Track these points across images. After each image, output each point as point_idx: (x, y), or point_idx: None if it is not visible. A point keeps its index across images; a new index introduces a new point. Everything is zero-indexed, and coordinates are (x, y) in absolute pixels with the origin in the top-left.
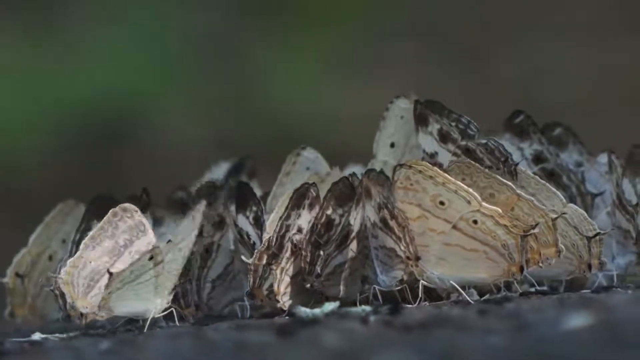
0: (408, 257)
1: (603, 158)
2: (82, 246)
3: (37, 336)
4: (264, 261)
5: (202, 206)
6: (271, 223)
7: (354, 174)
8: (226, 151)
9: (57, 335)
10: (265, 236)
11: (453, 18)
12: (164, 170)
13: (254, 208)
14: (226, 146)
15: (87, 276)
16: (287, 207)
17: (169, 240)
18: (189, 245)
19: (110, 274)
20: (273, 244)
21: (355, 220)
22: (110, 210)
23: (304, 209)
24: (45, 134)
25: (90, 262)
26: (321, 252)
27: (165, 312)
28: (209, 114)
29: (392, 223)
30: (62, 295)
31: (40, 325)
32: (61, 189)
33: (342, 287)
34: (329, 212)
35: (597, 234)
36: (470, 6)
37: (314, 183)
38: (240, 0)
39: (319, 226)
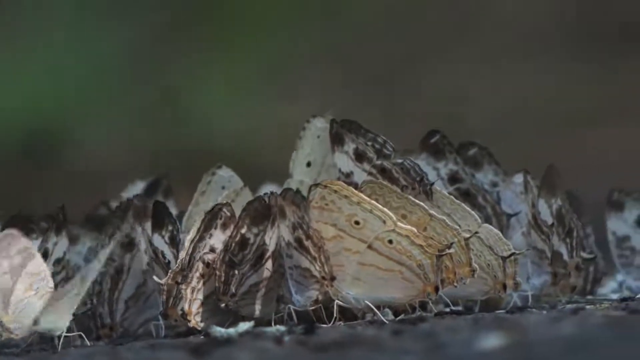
0: (323, 277)
1: (518, 178)
2: None
3: None
4: (177, 280)
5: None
6: (188, 241)
7: (272, 193)
8: (147, 168)
9: None
10: (180, 256)
11: (372, 41)
12: (86, 186)
13: (170, 227)
14: (147, 163)
15: None
16: (198, 229)
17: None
18: (91, 270)
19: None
20: (185, 264)
21: (270, 239)
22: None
23: (216, 229)
24: None
25: None
26: (236, 272)
27: (74, 334)
28: (131, 131)
29: (307, 243)
30: None
31: None
32: None
33: (257, 307)
34: (243, 231)
35: (512, 254)
36: (391, 27)
37: (227, 203)
38: (163, 16)
39: (233, 245)
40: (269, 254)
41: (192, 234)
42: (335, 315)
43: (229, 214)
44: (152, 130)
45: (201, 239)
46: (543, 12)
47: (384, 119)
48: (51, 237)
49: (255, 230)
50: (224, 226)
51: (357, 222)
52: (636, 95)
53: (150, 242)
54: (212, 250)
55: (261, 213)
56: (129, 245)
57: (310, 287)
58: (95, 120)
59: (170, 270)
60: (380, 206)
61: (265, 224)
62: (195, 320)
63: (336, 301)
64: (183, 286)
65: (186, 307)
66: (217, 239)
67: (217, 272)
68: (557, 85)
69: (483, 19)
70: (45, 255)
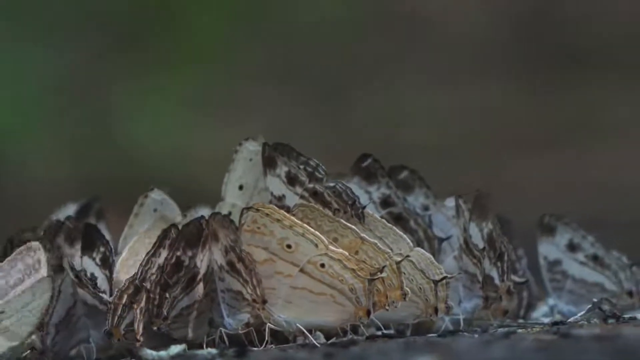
0: (254, 300)
1: (450, 202)
2: None
3: None
4: (124, 300)
5: (47, 282)
6: (122, 262)
7: (203, 216)
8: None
9: None
10: (121, 276)
11: (313, 61)
12: (20, 210)
13: (102, 249)
14: (82, 186)
15: None
16: (154, 245)
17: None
18: (39, 305)
19: None
20: (138, 282)
21: (201, 262)
22: (16, 250)
23: (164, 248)
24: None
25: None
26: (167, 295)
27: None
28: (66, 153)
29: (239, 266)
30: None
31: None
32: None
33: (189, 330)
34: (178, 253)
35: (444, 277)
36: (332, 49)
37: (176, 225)
38: (100, 40)
39: (168, 267)
40: (200, 276)
41: (143, 255)
42: (267, 338)
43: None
44: (87, 154)
45: (148, 261)
46: (484, 35)
47: (323, 143)
48: None
49: (189, 253)
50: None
51: (289, 246)
52: (571, 120)
53: (71, 266)
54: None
55: (196, 236)
56: (59, 268)
57: (242, 310)
58: (30, 144)
59: (118, 289)
60: (312, 230)
61: (199, 247)
62: (141, 340)
63: (268, 324)
64: (135, 305)
65: (135, 326)
66: (163, 258)
67: (152, 295)
68: (493, 109)
69: (424, 40)
70: None
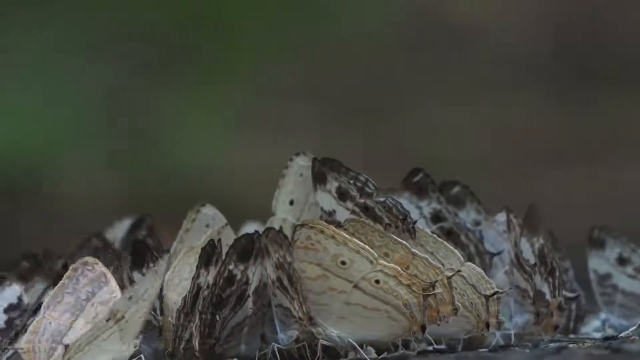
0: (300, 318)
1: (501, 217)
2: (42, 307)
3: None
4: (181, 320)
5: (165, 262)
6: (167, 282)
7: (256, 231)
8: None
9: None
10: (168, 295)
11: (351, 80)
12: (65, 227)
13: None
14: (130, 202)
15: (49, 339)
16: (197, 266)
17: (130, 297)
18: (153, 294)
19: (66, 346)
20: (189, 302)
21: (253, 275)
22: (71, 267)
23: (214, 264)
24: None
25: (51, 323)
26: (217, 317)
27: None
28: (113, 169)
29: (286, 283)
30: None
31: None
32: None
33: (242, 345)
34: (231, 267)
35: (495, 292)
36: (369, 68)
37: (219, 240)
38: (143, 57)
39: (221, 281)
40: (249, 292)
41: (192, 272)
42: (318, 354)
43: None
44: (132, 171)
45: (198, 276)
46: (525, 49)
47: (365, 157)
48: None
49: (241, 267)
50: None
51: (343, 262)
52: (607, 134)
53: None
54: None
55: (248, 250)
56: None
57: (292, 327)
58: (72, 158)
59: (175, 310)
60: (367, 247)
61: (250, 261)
62: (202, 358)
63: (320, 341)
64: (192, 324)
65: (195, 344)
66: (211, 275)
67: (203, 316)
68: (539, 122)
69: (465, 55)
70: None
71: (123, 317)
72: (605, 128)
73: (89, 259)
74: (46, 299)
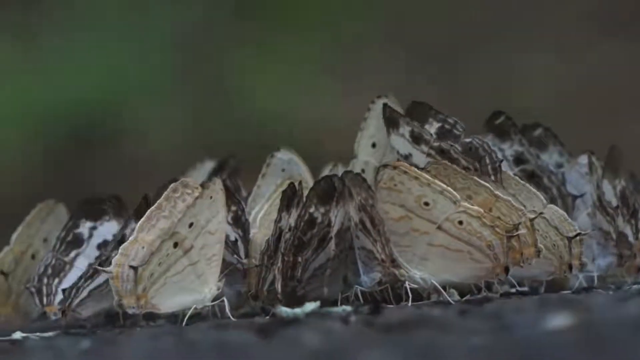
0: (383, 260)
1: (583, 159)
2: (136, 228)
3: (18, 335)
4: (265, 262)
5: (218, 184)
6: (263, 218)
7: (335, 175)
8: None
9: (38, 334)
10: (258, 235)
11: (429, 25)
12: (141, 176)
13: (233, 207)
14: (205, 150)
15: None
16: (279, 210)
17: (191, 224)
18: (220, 228)
19: (134, 268)
20: (272, 245)
21: (335, 218)
22: (170, 186)
23: (291, 207)
24: (24, 137)
25: (144, 248)
26: (299, 259)
27: (217, 302)
28: (187, 118)
29: (369, 225)
30: (39, 291)
31: (22, 323)
32: (39, 191)
33: (324, 289)
34: (311, 210)
35: (578, 234)
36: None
37: (300, 182)
38: (219, 3)
39: (302, 224)
40: (331, 234)
41: (264, 210)
42: (408, 294)
43: (300, 192)
44: (211, 117)
45: (280, 219)
46: None
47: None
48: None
49: (322, 209)
50: (297, 205)
51: (426, 203)
52: None
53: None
54: (290, 229)
55: (328, 193)
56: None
57: (375, 269)
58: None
59: (260, 252)
60: (449, 188)
61: (331, 204)
62: (282, 301)
63: (406, 283)
64: (275, 267)
65: (277, 286)
66: (294, 218)
67: (286, 258)
68: (620, 67)
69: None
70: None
71: (192, 246)
72: None
73: (190, 180)
74: (140, 221)
